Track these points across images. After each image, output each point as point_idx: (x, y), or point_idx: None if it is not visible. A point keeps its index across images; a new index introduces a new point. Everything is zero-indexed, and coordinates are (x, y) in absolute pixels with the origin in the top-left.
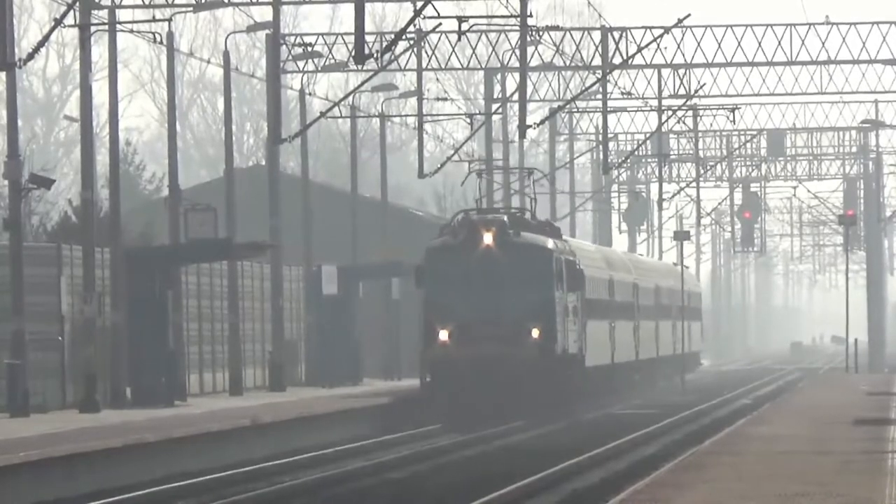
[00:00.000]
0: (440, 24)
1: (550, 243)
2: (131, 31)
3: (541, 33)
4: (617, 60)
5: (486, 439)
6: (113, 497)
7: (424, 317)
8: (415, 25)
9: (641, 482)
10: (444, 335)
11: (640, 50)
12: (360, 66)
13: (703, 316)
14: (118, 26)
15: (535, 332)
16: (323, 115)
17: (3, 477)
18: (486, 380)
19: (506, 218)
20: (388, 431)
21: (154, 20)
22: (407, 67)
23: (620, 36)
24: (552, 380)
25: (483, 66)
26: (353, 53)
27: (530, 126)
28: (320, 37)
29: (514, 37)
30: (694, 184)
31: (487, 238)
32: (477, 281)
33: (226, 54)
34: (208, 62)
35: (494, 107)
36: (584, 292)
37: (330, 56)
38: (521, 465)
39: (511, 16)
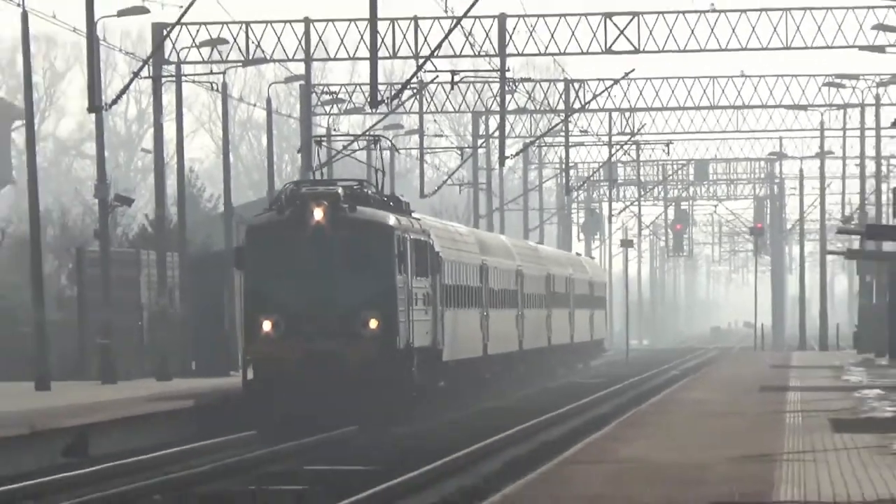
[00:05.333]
0: (437, 76)
1: (392, 220)
2: (193, 82)
3: (516, 84)
4: (576, 105)
5: (306, 449)
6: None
7: (244, 305)
8: (417, 78)
9: (595, 434)
10: (267, 326)
11: (594, 97)
12: (374, 110)
13: (639, 309)
14: (183, 78)
15: (373, 323)
16: (345, 147)
17: (100, 429)
18: (316, 378)
19: (341, 190)
20: (196, 439)
21: (211, 73)
22: (411, 111)
23: (579, 86)
24: (393, 378)
25: (471, 110)
26: (368, 100)
27: (508, 157)
28: (343, 87)
29: (496, 87)
30: (636, 203)
31: (318, 214)
32: (305, 264)
33: (268, 100)
34: (254, 106)
35: (480, 142)
36: (442, 277)
37: (350, 101)
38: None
39: (493, 70)
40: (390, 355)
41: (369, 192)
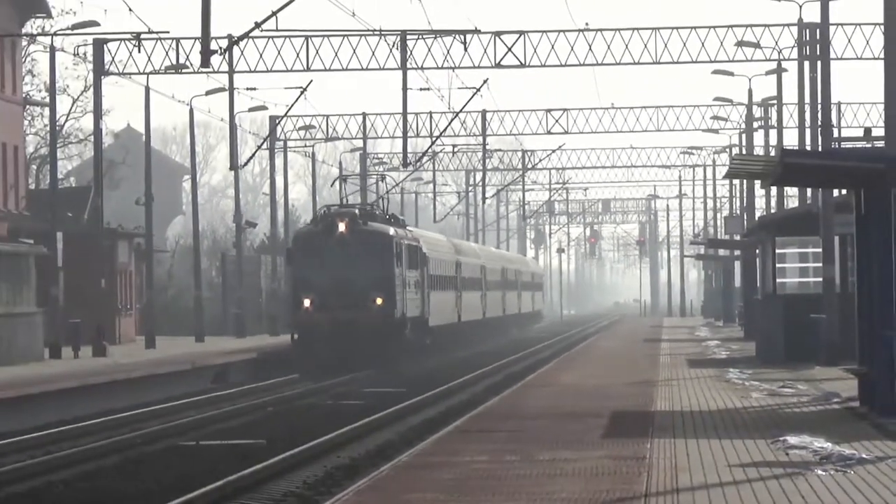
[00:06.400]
0: (443, 148)
1: (392, 231)
2: (294, 150)
3: (492, 153)
4: (529, 166)
5: (344, 382)
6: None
7: (292, 288)
8: (432, 149)
9: (535, 373)
10: (307, 303)
11: (540, 160)
12: (405, 168)
13: (568, 291)
14: (289, 148)
15: (379, 301)
16: (388, 192)
17: (234, 366)
18: (339, 338)
19: (357, 211)
20: (259, 379)
21: (305, 146)
22: (427, 169)
23: (531, 154)
24: (393, 338)
25: (464, 168)
26: (402, 162)
27: (487, 198)
28: (386, 154)
29: (479, 154)
30: (566, 225)
31: (341, 226)
32: (332, 260)
33: (340, 163)
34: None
35: (469, 189)
36: (428, 269)
37: (390, 163)
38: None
39: (478, 144)
40: (391, 322)
41: (377, 212)
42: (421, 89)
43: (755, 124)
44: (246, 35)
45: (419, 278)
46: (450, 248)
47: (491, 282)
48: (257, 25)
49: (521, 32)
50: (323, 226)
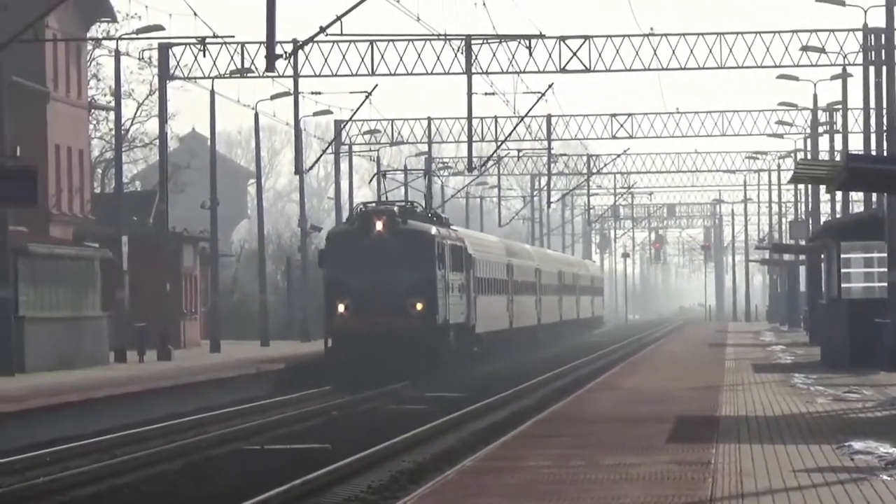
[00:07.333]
0: (508, 152)
1: (433, 230)
2: (359, 154)
3: (556, 158)
4: (594, 170)
5: (393, 391)
6: None
7: (326, 292)
8: (497, 155)
9: (604, 375)
10: (341, 308)
11: (604, 165)
12: (470, 172)
13: (633, 295)
14: (354, 153)
15: (419, 306)
16: (452, 196)
17: (299, 368)
18: (377, 346)
19: (396, 209)
20: (290, 391)
21: (370, 150)
22: (492, 174)
23: (596, 158)
24: (434, 345)
25: (529, 173)
26: (467, 166)
27: (552, 202)
28: (451, 159)
29: (545, 159)
30: (631, 230)
31: (378, 225)
32: (369, 261)
33: (405, 167)
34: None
35: (534, 193)
36: (474, 272)
37: (455, 167)
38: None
39: (543, 149)
40: (432, 329)
41: (418, 209)
42: (486, 94)
43: (820, 129)
44: (311, 39)
45: (464, 281)
46: (500, 249)
47: (546, 286)
48: (322, 30)
49: (586, 37)
50: (359, 225)
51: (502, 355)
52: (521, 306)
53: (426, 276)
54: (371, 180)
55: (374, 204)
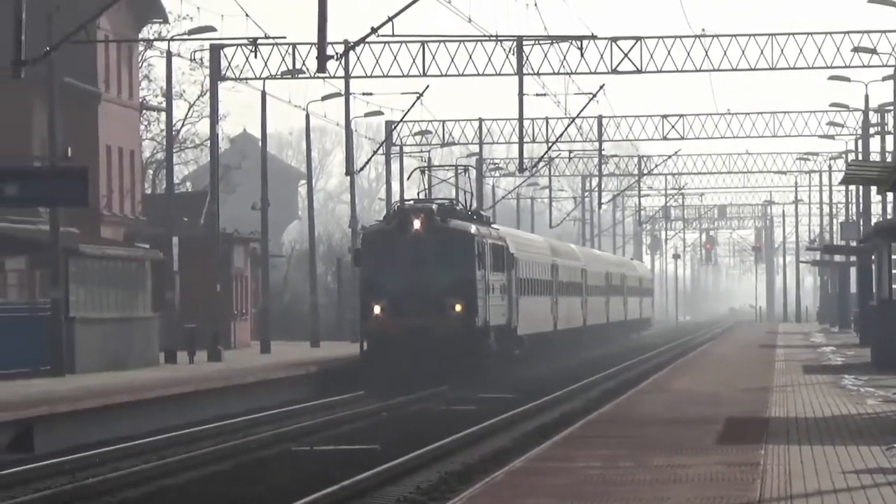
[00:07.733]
0: (559, 153)
1: (474, 229)
2: (409, 155)
3: (607, 159)
4: (645, 171)
5: (435, 395)
6: None
7: (361, 293)
8: (548, 156)
9: (650, 378)
10: (377, 309)
11: (655, 166)
12: (521, 173)
13: (683, 296)
14: (405, 154)
15: (458, 307)
16: (503, 197)
17: (350, 370)
18: (414, 349)
19: (434, 206)
20: (325, 395)
21: (421, 151)
22: (543, 175)
23: (647, 160)
24: (473, 347)
25: (581, 174)
26: (518, 167)
27: (603, 204)
28: (502, 160)
29: (595, 160)
30: (682, 231)
31: (416, 224)
32: (406, 261)
33: (455, 168)
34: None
35: (585, 194)
36: (516, 272)
37: (506, 168)
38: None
39: (593, 150)
40: (471, 330)
41: (458, 207)
42: (537, 95)
43: (871, 130)
44: (362, 40)
45: (505, 282)
46: (545, 249)
47: (593, 286)
48: (373, 31)
49: (638, 38)
50: (396, 223)
51: (546, 358)
52: (566, 308)
53: (466, 276)
54: (409, 176)
55: (411, 202)
